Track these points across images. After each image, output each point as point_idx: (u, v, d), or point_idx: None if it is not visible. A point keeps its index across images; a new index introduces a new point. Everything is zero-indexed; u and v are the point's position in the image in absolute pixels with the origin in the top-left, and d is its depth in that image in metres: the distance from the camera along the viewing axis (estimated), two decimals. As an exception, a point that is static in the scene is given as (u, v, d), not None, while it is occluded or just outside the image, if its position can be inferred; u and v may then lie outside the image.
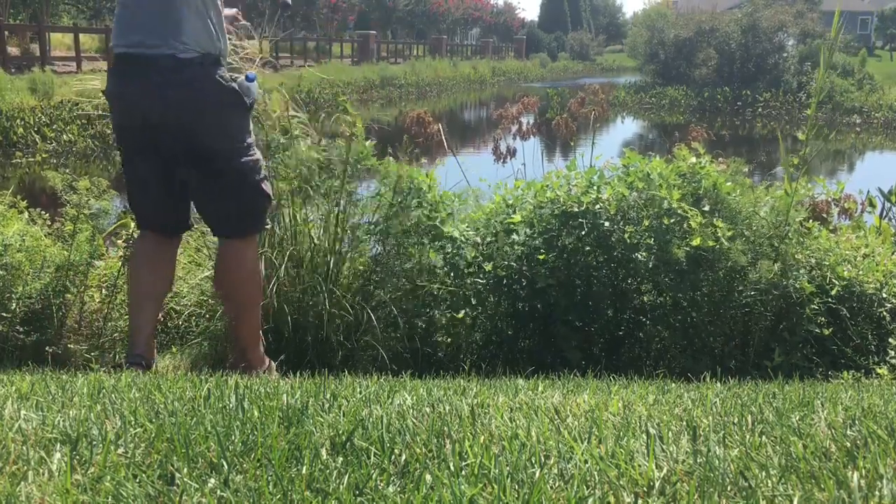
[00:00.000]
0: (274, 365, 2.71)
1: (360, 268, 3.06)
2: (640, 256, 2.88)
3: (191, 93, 2.37)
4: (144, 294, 2.59)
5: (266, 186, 2.57)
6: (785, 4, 25.44)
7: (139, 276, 2.60)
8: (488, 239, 3.06)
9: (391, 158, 3.15)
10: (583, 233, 2.92)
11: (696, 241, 2.81)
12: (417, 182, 3.05)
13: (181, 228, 2.70)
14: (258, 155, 2.55)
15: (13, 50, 15.11)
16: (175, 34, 2.35)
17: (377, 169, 3.08)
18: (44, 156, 11.36)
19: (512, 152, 4.48)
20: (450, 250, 3.05)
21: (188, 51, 2.36)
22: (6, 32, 14.46)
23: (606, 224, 2.91)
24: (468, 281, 3.03)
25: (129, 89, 2.40)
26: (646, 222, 2.87)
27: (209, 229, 2.72)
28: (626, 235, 2.86)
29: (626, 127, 20.19)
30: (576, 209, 2.93)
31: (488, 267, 2.95)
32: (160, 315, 2.94)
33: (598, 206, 2.93)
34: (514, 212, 3.06)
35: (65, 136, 12.28)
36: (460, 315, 2.98)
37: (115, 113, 2.48)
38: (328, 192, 3.03)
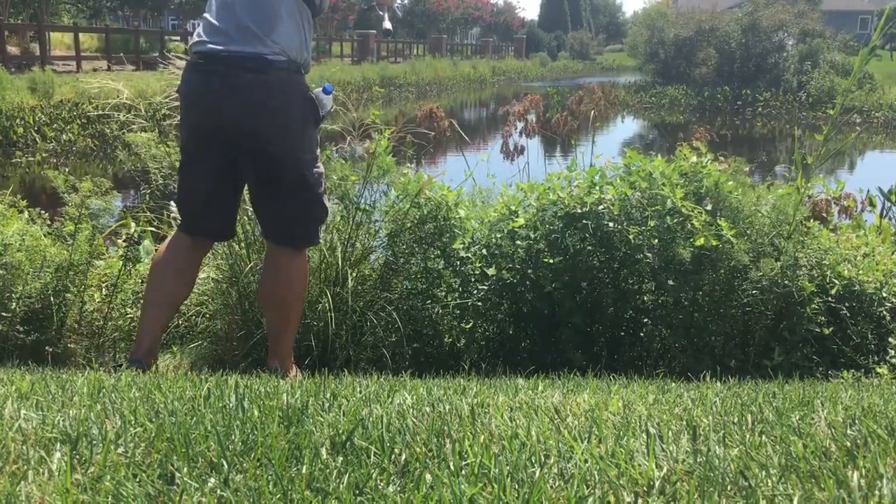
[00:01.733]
0: (301, 376, 2.69)
1: (367, 272, 3.06)
2: (643, 256, 2.87)
3: (273, 97, 2.32)
4: (163, 298, 2.55)
5: (327, 200, 2.55)
6: (785, 4, 25.44)
7: (163, 279, 2.54)
8: (493, 248, 3.05)
9: (410, 165, 3.16)
10: (587, 234, 2.91)
11: (699, 241, 2.81)
12: (438, 196, 3.04)
13: (226, 235, 2.67)
14: (322, 168, 2.53)
15: (13, 49, 15.12)
16: (268, 32, 2.31)
17: (396, 179, 3.07)
18: (44, 155, 11.37)
19: (520, 150, 4.47)
20: (458, 265, 3.05)
21: (278, 53, 2.32)
22: (6, 32, 14.46)
23: (610, 224, 2.90)
24: (474, 290, 3.03)
25: (209, 88, 2.34)
26: (651, 222, 2.87)
27: (262, 233, 2.67)
28: (630, 236, 2.86)
29: (627, 126, 20.18)
30: (579, 210, 2.93)
31: (491, 271, 2.95)
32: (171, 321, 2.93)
33: (601, 207, 2.92)
34: (517, 216, 3.06)
35: (65, 136, 12.28)
36: (469, 325, 2.97)
37: (189, 111, 2.42)
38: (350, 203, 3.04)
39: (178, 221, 2.64)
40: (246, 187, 2.57)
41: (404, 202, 3.04)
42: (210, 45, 2.34)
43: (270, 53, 2.31)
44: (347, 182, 3.01)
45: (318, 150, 2.53)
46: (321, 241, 2.68)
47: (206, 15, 2.42)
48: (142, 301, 2.68)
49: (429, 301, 3.01)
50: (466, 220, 3.09)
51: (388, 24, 3.08)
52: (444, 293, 3.03)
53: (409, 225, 3.02)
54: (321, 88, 2.47)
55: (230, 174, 2.46)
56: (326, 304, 2.83)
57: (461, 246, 3.02)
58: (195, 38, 2.41)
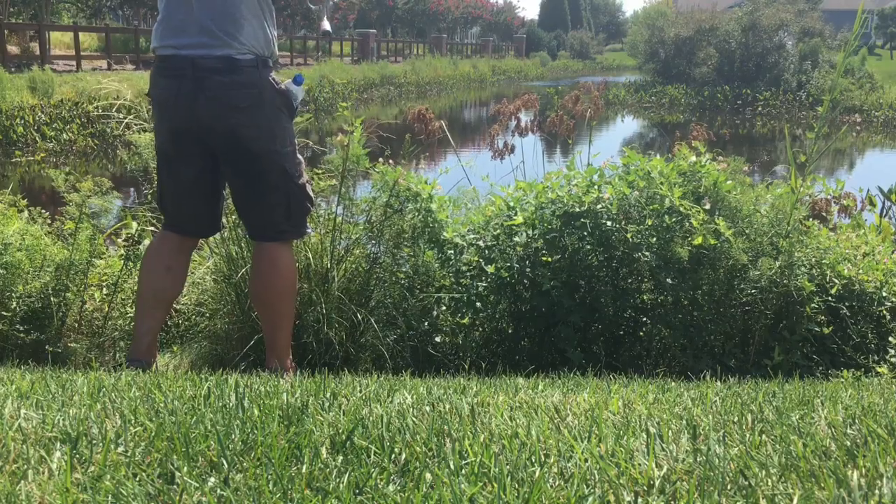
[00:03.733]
0: (297, 374, 2.67)
1: (355, 267, 3.06)
2: (642, 255, 2.87)
3: (248, 96, 2.34)
4: (155, 297, 2.56)
5: (310, 190, 2.55)
6: (785, 3, 25.42)
7: (153, 278, 2.55)
8: (490, 241, 3.05)
9: (390, 161, 3.15)
10: (585, 233, 2.91)
11: (697, 240, 2.81)
12: (415, 188, 3.04)
13: (213, 231, 2.69)
14: (301, 158, 2.54)
15: (13, 49, 15.10)
16: (233, 35, 2.31)
17: (372, 173, 3.08)
18: (43, 154, 11.35)
19: (510, 149, 4.46)
20: (451, 255, 3.04)
21: (246, 52, 2.33)
22: (6, 31, 14.45)
23: (609, 223, 2.91)
24: (469, 283, 3.03)
25: (182, 92, 2.33)
26: (649, 221, 2.87)
27: (248, 232, 2.67)
28: (628, 235, 2.86)
29: (626, 126, 20.18)
30: (577, 209, 2.93)
31: (491, 269, 2.95)
32: (167, 318, 2.93)
33: (599, 206, 2.93)
34: (516, 213, 3.06)
35: (65, 135, 12.27)
36: (465, 320, 2.97)
37: (163, 115, 2.42)
38: (326, 194, 3.03)
39: (162, 220, 2.65)
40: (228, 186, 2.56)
41: (383, 193, 3.04)
42: (175, 49, 2.34)
43: (238, 53, 2.32)
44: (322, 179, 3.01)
45: (296, 141, 2.53)
46: (311, 233, 2.68)
47: (162, 11, 2.40)
48: (135, 301, 2.69)
49: (421, 294, 3.00)
50: (444, 216, 3.09)
51: (326, 25, 2.98)
52: (435, 290, 3.02)
53: (389, 214, 3.01)
54: (292, 80, 2.47)
55: (209, 175, 2.48)
56: (319, 303, 2.83)
57: (454, 234, 3.02)
58: (158, 41, 2.40)
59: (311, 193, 2.57)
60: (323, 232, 3.01)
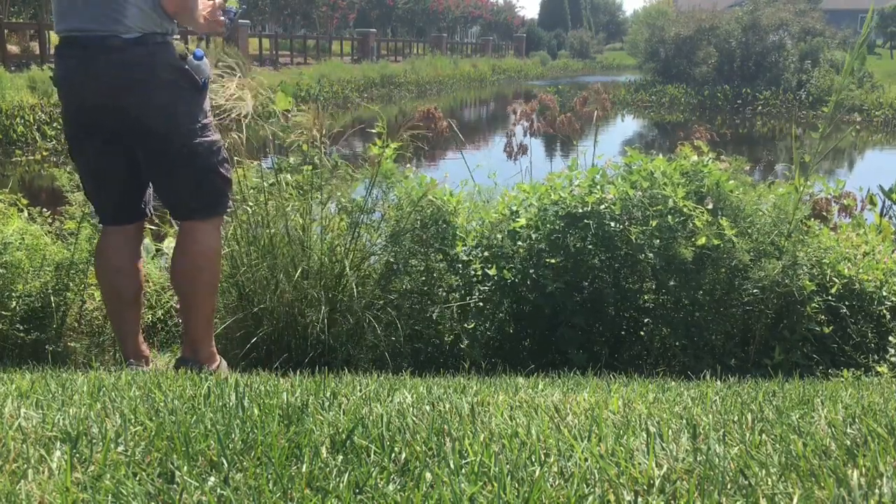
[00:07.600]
0: (226, 364, 2.62)
1: (368, 271, 3.06)
2: (645, 256, 2.87)
3: (137, 74, 2.28)
4: (118, 299, 2.53)
5: (224, 169, 2.47)
6: (785, 2, 25.40)
7: (108, 281, 2.53)
8: (494, 248, 3.05)
9: (410, 168, 3.16)
10: (588, 234, 2.91)
11: (701, 241, 2.80)
12: (439, 202, 3.04)
13: (139, 217, 2.58)
14: (215, 136, 2.45)
15: (13, 48, 15.10)
16: (119, 11, 2.26)
17: (397, 182, 3.08)
18: (44, 154, 11.36)
19: (524, 149, 4.46)
20: (459, 268, 3.05)
21: (131, 31, 2.27)
22: (6, 31, 14.45)
23: (612, 224, 2.90)
24: (475, 291, 3.03)
25: (75, 74, 2.31)
26: (653, 222, 2.87)
27: (170, 213, 2.60)
28: (632, 235, 2.85)
29: (627, 125, 20.16)
30: (580, 210, 2.93)
31: (492, 271, 2.95)
32: (142, 313, 2.89)
33: (602, 207, 2.92)
34: (519, 216, 3.06)
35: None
36: (471, 326, 2.97)
37: (62, 99, 2.39)
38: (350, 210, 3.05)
39: (96, 218, 2.59)
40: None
41: (406, 205, 3.04)
42: (67, 30, 2.31)
43: (125, 31, 2.27)
44: (346, 182, 3.02)
45: (209, 119, 2.44)
46: (230, 209, 2.59)
47: None
48: (104, 308, 2.65)
49: (429, 300, 3.01)
50: (463, 229, 3.10)
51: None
52: (444, 293, 3.03)
53: (410, 227, 3.02)
54: (191, 55, 2.39)
55: (116, 156, 2.41)
56: (321, 304, 2.83)
57: (463, 249, 3.03)
58: (54, 24, 2.37)
59: (227, 172, 2.48)
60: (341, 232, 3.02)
